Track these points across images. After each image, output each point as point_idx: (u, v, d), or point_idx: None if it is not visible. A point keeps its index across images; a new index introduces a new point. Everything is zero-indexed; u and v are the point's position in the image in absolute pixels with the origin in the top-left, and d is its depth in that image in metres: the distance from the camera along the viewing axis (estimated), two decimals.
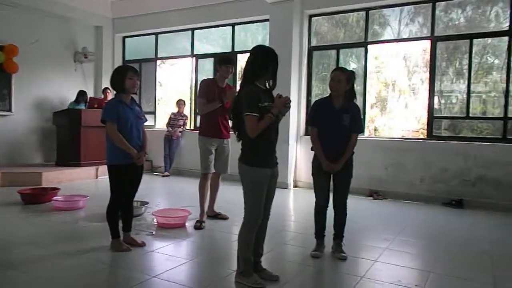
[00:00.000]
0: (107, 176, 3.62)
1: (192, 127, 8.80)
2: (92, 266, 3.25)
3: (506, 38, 5.99)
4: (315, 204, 3.65)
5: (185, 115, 8.62)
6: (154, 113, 9.44)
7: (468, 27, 6.34)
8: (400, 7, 6.80)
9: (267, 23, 7.50)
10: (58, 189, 5.84)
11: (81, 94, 8.45)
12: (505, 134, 5.97)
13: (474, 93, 6.30)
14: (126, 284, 2.95)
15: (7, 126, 7.86)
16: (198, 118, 8.33)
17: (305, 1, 7.21)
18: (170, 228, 4.37)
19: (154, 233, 4.20)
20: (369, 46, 6.99)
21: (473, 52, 6.19)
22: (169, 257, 3.50)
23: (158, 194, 6.64)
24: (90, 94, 9.07)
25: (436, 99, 6.52)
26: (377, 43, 7.12)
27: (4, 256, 3.49)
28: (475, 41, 6.19)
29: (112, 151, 3.54)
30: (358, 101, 6.55)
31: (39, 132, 8.44)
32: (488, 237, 4.39)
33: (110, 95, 8.29)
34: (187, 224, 4.50)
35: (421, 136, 6.72)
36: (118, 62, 9.66)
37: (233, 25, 8.23)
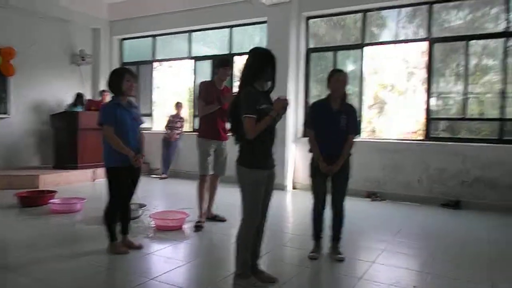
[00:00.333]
0: (105, 179, 3.61)
1: (190, 130, 8.79)
2: (89, 268, 3.25)
3: (502, 40, 6.01)
4: (313, 205, 3.66)
5: (183, 118, 8.61)
6: (151, 115, 9.43)
7: (464, 29, 6.37)
8: (397, 9, 6.82)
9: (264, 25, 7.51)
10: (55, 191, 5.83)
11: (79, 96, 8.44)
12: (502, 135, 5.99)
13: (471, 94, 6.32)
14: (124, 287, 2.94)
15: (5, 128, 7.83)
16: (196, 120, 8.35)
17: (303, 3, 7.23)
18: (167, 230, 4.37)
19: (151, 235, 4.20)
20: (366, 48, 7.01)
21: (470, 53, 6.21)
22: (167, 260, 3.49)
23: (155, 196, 6.63)
24: (88, 96, 9.06)
25: (433, 100, 6.54)
26: (374, 45, 7.14)
27: (2, 259, 3.48)
28: (471, 42, 6.22)
29: (110, 154, 3.53)
30: (356, 103, 6.63)
31: (37, 134, 8.42)
32: (485, 237, 4.40)
33: (108, 97, 8.28)
34: (184, 226, 4.49)
35: (419, 138, 6.73)
36: (116, 65, 9.65)
37: (230, 27, 8.24)
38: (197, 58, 8.79)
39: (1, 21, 7.75)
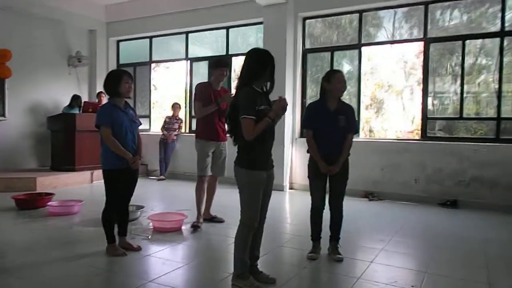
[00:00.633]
0: (102, 181, 3.60)
1: (187, 131, 8.79)
2: (87, 271, 3.24)
3: (498, 39, 6.04)
4: (311, 206, 3.66)
5: (180, 119, 8.61)
6: (149, 116, 9.42)
7: (460, 29, 6.40)
8: (394, 9, 6.85)
9: (261, 26, 7.52)
10: (52, 194, 5.81)
11: (75, 98, 8.42)
12: (498, 135, 6.01)
13: (468, 94, 6.35)
14: None
15: (1, 131, 7.80)
16: (193, 121, 8.35)
17: (299, 4, 7.24)
18: (166, 232, 4.36)
19: (150, 237, 4.19)
20: (363, 48, 7.03)
21: (466, 53, 6.24)
22: (165, 261, 3.49)
23: (153, 198, 6.62)
24: (84, 98, 9.04)
25: (429, 100, 6.56)
26: (371, 45, 7.16)
27: None
28: (467, 42, 6.25)
29: (107, 156, 3.52)
30: (353, 103, 6.65)
31: (33, 137, 8.39)
32: (483, 237, 4.41)
33: (104, 99, 8.27)
34: (183, 227, 4.48)
35: (416, 137, 6.75)
36: (112, 66, 9.65)
37: (227, 28, 8.25)
38: (193, 59, 8.79)
39: None
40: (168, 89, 10.21)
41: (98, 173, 6.88)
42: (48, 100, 8.64)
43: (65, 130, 7.70)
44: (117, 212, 3.67)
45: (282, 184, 7.01)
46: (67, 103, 8.43)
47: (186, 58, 8.87)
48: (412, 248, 4.04)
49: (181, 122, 8.63)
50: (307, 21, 7.50)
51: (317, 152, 3.54)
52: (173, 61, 9.35)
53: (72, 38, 9.15)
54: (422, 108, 6.51)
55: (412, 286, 3.01)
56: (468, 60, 6.33)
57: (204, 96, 4.54)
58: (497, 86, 6.04)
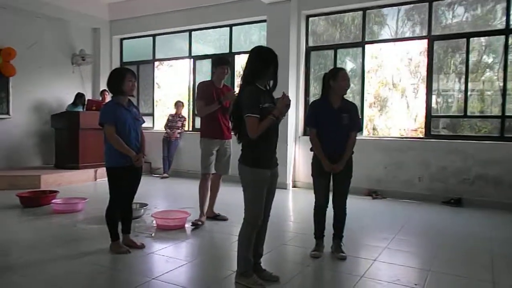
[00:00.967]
0: (106, 179, 3.61)
1: (190, 129, 8.79)
2: (91, 268, 3.25)
3: (502, 37, 6.00)
4: (315, 204, 3.65)
5: (183, 117, 8.62)
6: (152, 114, 9.44)
7: (464, 26, 6.36)
8: (397, 7, 6.81)
9: (264, 24, 7.50)
10: (57, 191, 5.84)
11: (79, 96, 8.45)
12: (503, 133, 5.98)
13: (472, 91, 6.32)
14: (126, 287, 2.95)
15: (5, 129, 7.84)
16: (197, 119, 8.35)
17: (302, 2, 7.22)
18: (169, 230, 4.37)
19: (153, 235, 4.20)
20: (367, 46, 7.00)
21: (470, 51, 6.21)
22: (169, 259, 3.50)
23: (157, 195, 6.64)
24: (88, 96, 9.07)
25: (434, 98, 6.54)
26: (375, 43, 7.14)
27: (3, 260, 3.48)
28: (472, 40, 6.21)
29: (111, 153, 3.53)
30: (356, 101, 6.63)
31: (38, 135, 8.43)
32: (487, 235, 4.39)
33: (108, 97, 8.28)
34: (186, 225, 4.49)
35: (420, 135, 6.73)
36: (116, 64, 9.66)
37: (230, 26, 8.23)
38: (197, 57, 8.79)
39: (1, 21, 7.75)
40: (172, 87, 10.22)
41: (102, 171, 6.95)
42: (52, 98, 8.67)
43: (69, 128, 7.73)
44: (121, 209, 3.69)
45: (285, 182, 7.00)
46: (71, 101, 8.45)
47: (190, 56, 8.87)
48: (415, 246, 4.03)
49: (184, 120, 8.63)
50: (310, 19, 7.47)
51: (320, 150, 3.53)
52: (176, 59, 9.35)
53: (76, 36, 9.17)
54: (426, 106, 6.48)
55: (415, 285, 3.00)
56: (473, 58, 6.30)
57: (206, 95, 4.54)
58: (501, 84, 6.00)
